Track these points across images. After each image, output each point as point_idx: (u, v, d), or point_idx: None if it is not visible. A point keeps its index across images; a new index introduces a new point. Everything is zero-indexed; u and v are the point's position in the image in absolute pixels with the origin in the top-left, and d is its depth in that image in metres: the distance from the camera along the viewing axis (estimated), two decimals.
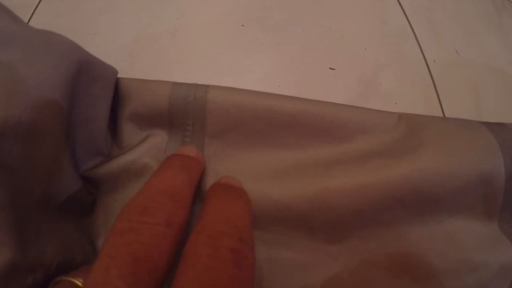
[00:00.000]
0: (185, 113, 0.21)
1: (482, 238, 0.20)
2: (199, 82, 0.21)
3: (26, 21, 0.29)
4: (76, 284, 0.15)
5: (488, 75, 0.31)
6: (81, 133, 0.20)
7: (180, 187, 0.16)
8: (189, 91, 0.21)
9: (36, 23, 0.29)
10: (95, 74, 0.20)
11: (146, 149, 0.21)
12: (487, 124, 0.22)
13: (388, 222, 0.19)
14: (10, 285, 0.14)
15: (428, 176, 0.19)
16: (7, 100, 0.14)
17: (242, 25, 0.28)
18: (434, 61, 0.29)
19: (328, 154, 0.20)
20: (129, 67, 0.25)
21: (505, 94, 0.31)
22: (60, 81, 0.17)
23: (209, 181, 0.20)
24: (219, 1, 0.30)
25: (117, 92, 0.22)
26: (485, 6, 0.37)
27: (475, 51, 0.32)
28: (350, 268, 0.19)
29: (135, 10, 0.30)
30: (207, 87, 0.21)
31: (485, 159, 0.20)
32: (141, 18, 0.29)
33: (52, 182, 0.17)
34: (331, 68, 0.26)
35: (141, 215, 0.14)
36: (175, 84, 0.21)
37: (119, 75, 0.22)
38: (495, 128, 0.21)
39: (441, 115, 0.26)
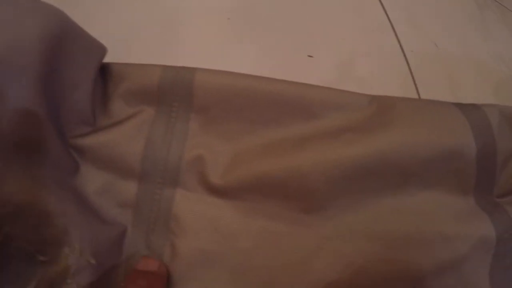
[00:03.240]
0: (173, 91, 0.22)
1: (456, 212, 0.21)
2: None
3: None
4: None
5: (466, 66, 0.32)
6: (65, 97, 0.21)
7: None
8: (178, 72, 0.22)
9: None
10: (81, 43, 0.21)
11: (134, 123, 0.22)
12: (459, 105, 0.23)
13: (361, 192, 0.20)
14: None
15: (397, 148, 0.20)
16: None
17: (228, 18, 0.30)
18: (412, 51, 0.31)
19: (304, 129, 0.21)
20: (121, 56, 0.26)
21: (481, 83, 0.32)
22: (42, 37, 0.18)
23: (200, 153, 0.22)
24: None
25: (110, 76, 0.23)
26: (467, 3, 0.39)
27: (454, 44, 0.34)
28: (327, 238, 0.20)
29: (130, 5, 0.31)
30: (194, 69, 0.22)
31: (454, 135, 0.21)
32: (135, 11, 0.31)
33: (31, 133, 0.18)
34: (309, 56, 0.27)
35: None
36: (165, 66, 0.22)
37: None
38: (467, 108, 0.23)
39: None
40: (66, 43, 0.20)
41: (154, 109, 0.22)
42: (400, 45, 0.31)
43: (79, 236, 0.19)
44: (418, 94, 0.28)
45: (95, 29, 0.22)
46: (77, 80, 0.21)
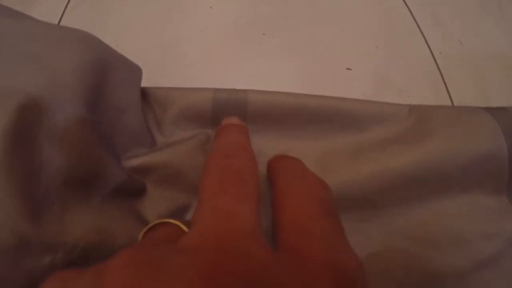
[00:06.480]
0: (228, 113, 0.23)
1: (491, 210, 0.23)
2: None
3: None
4: (177, 226, 0.15)
5: (491, 62, 0.34)
6: (118, 122, 0.21)
7: (244, 142, 0.17)
8: (230, 95, 0.23)
9: None
10: (119, 65, 0.20)
11: (195, 142, 0.23)
12: (489, 109, 0.25)
13: (409, 200, 0.22)
14: (21, 261, 0.13)
15: (438, 157, 0.22)
16: (35, 77, 0.16)
17: (263, 34, 0.32)
18: (440, 53, 0.32)
19: (353, 143, 0.23)
20: (160, 80, 0.27)
21: (508, 77, 0.33)
22: (82, 66, 0.17)
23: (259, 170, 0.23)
24: (239, 12, 0.33)
25: (155, 101, 0.24)
26: None
27: (477, 40, 0.35)
28: (381, 242, 0.22)
29: (160, 24, 0.32)
30: (246, 91, 0.24)
31: (487, 139, 0.23)
32: (167, 32, 0.32)
33: (84, 165, 0.17)
34: (347, 69, 0.29)
35: (228, 157, 0.15)
36: (216, 89, 0.24)
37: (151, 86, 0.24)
38: (496, 112, 0.25)
39: (449, 103, 0.29)
40: (105, 68, 0.19)
41: (210, 131, 0.24)
42: (429, 48, 0.32)
43: None
44: (449, 95, 0.30)
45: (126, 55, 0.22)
46: (123, 104, 0.21)
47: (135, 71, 0.23)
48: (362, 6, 0.34)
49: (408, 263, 0.22)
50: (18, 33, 0.18)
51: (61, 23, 0.32)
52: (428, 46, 0.33)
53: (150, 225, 0.16)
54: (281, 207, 0.14)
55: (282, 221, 0.14)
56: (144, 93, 0.24)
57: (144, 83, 0.23)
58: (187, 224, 0.16)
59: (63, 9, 0.33)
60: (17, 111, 0.14)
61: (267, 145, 0.24)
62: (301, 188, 0.15)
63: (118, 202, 0.19)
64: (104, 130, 0.19)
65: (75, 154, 0.17)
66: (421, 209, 0.23)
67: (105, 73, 0.19)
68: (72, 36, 0.18)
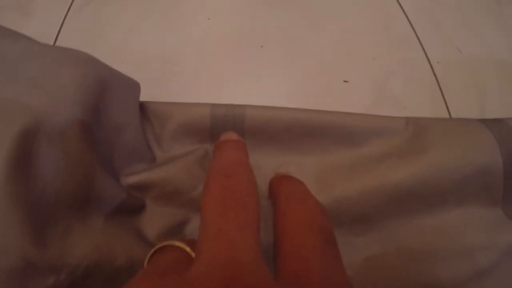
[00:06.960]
0: (225, 128, 0.23)
1: (487, 223, 0.24)
2: (227, 102, 0.24)
3: None
4: (183, 250, 0.16)
5: (490, 68, 0.33)
6: (117, 139, 0.21)
7: (243, 158, 0.18)
8: (228, 110, 0.24)
9: None
10: (117, 83, 0.21)
11: (193, 158, 0.23)
12: (484, 121, 0.25)
13: (404, 214, 0.23)
14: (28, 283, 0.14)
15: (434, 171, 0.22)
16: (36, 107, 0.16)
17: (261, 46, 0.32)
18: (438, 62, 0.32)
19: (349, 157, 0.24)
20: (159, 92, 0.28)
21: (507, 85, 0.33)
22: (83, 86, 0.18)
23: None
24: (237, 24, 0.33)
25: (154, 116, 0.24)
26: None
27: (476, 46, 0.35)
28: (377, 255, 0.22)
29: (159, 35, 0.32)
30: (243, 106, 0.24)
31: (483, 152, 0.23)
32: (166, 43, 0.32)
33: (84, 185, 0.18)
34: (345, 81, 0.29)
35: (228, 177, 0.15)
36: (214, 104, 0.24)
37: (151, 99, 0.24)
38: (492, 124, 0.25)
39: (446, 114, 0.29)
40: (104, 88, 0.20)
41: (208, 145, 0.24)
42: (427, 58, 0.32)
43: None
44: (447, 105, 0.30)
45: (125, 68, 0.22)
46: (122, 122, 0.21)
47: (134, 87, 0.23)
48: (360, 18, 0.34)
49: (405, 275, 0.22)
50: (17, 54, 0.18)
51: (60, 34, 0.32)
52: (426, 56, 0.33)
53: (156, 247, 0.16)
54: (283, 235, 0.15)
55: (283, 249, 0.14)
56: (143, 107, 0.24)
57: (143, 93, 0.23)
58: (191, 244, 0.16)
59: (62, 20, 0.33)
60: (19, 136, 0.15)
61: (265, 159, 0.24)
62: (302, 214, 0.16)
63: (118, 220, 0.20)
64: (103, 150, 0.20)
65: (76, 176, 0.17)
66: (417, 222, 0.23)
67: (104, 93, 0.20)
68: (71, 57, 0.19)
